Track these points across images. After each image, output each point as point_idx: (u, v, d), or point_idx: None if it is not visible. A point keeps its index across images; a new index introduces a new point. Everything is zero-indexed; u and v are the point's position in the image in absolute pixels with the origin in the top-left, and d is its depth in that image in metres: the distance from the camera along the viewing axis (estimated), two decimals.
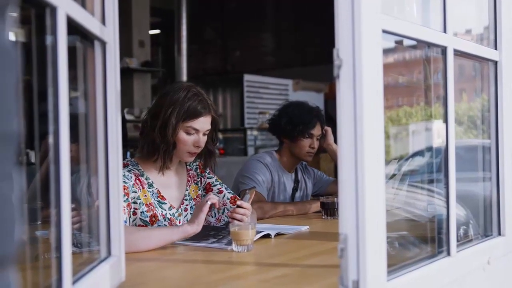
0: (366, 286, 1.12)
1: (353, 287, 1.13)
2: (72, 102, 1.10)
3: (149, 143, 2.17)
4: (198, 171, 2.37)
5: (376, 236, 1.16)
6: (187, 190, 2.31)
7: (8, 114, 0.56)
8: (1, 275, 0.54)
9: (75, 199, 1.05)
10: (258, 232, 2.02)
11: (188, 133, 2.16)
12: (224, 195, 2.32)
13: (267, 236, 2.08)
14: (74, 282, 1.06)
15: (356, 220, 1.13)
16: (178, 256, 1.81)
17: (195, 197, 2.33)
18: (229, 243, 1.89)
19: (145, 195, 2.15)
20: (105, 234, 1.34)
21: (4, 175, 0.54)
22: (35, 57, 1.02)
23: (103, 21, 1.32)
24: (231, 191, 2.37)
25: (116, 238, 1.36)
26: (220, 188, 2.35)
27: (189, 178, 2.34)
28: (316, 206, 2.79)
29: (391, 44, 1.39)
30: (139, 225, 2.12)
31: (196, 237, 1.99)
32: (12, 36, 0.61)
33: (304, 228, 2.31)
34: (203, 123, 2.17)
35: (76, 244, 1.27)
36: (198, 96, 2.16)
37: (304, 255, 1.83)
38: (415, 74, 1.93)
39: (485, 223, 1.81)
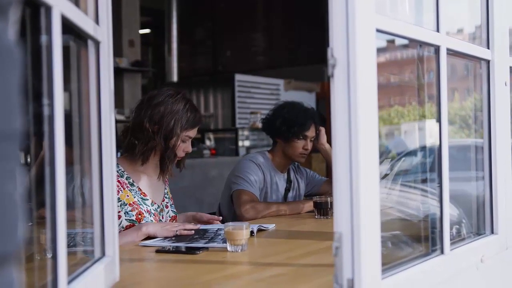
0: (361, 285, 1.12)
1: (348, 285, 1.13)
2: (65, 102, 1.09)
3: (150, 149, 2.21)
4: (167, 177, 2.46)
5: (371, 234, 1.16)
6: (165, 189, 2.40)
7: (11, 113, 0.56)
8: (4, 272, 0.55)
9: (67, 199, 1.05)
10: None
11: (183, 141, 2.25)
12: (168, 212, 2.38)
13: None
14: (69, 282, 1.06)
15: (351, 219, 1.13)
16: (172, 256, 1.81)
17: (170, 196, 2.43)
18: (225, 241, 1.88)
19: (127, 195, 2.17)
20: (99, 235, 1.34)
21: (8, 173, 0.54)
22: (28, 57, 1.01)
23: (96, 21, 1.31)
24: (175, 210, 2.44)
25: (110, 239, 1.35)
26: (169, 202, 2.41)
27: (166, 179, 2.41)
28: (309, 205, 2.79)
29: (382, 43, 1.40)
30: (126, 226, 2.12)
31: (189, 239, 1.99)
32: (14, 36, 0.61)
33: (271, 227, 2.31)
34: (196, 131, 2.30)
35: (69, 244, 1.27)
36: (194, 107, 2.28)
37: (298, 255, 1.84)
38: (407, 73, 1.93)
39: (478, 221, 1.82)
